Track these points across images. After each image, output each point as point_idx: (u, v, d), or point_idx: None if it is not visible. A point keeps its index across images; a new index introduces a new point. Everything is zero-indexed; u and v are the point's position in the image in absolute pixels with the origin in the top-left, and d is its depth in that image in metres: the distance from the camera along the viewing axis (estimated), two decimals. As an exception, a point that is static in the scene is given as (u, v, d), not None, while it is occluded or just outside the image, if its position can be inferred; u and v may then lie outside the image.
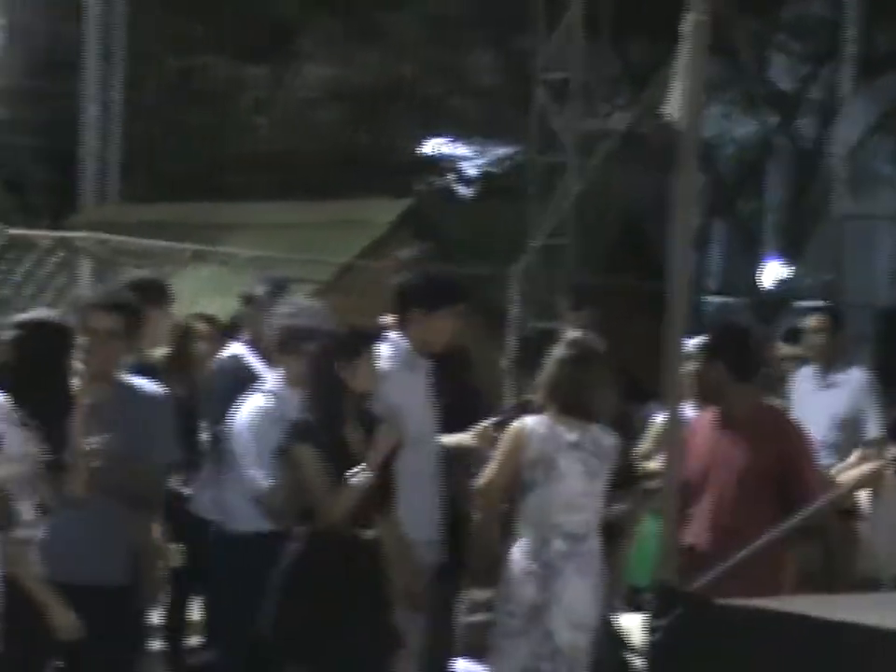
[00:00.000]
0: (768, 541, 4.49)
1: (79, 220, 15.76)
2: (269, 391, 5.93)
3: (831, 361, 8.15)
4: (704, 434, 5.88)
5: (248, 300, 6.49)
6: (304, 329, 5.81)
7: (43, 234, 9.89)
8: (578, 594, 5.70)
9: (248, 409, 5.90)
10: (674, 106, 4.65)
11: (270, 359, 6.19)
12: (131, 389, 5.59)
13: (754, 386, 5.98)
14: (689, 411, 7.42)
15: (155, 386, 5.66)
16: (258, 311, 6.34)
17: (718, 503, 5.73)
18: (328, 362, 5.46)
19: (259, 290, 6.45)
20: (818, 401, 7.81)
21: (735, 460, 5.74)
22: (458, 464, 6.18)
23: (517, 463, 5.81)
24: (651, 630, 4.10)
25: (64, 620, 5.03)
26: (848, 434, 7.75)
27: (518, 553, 5.77)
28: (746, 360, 5.95)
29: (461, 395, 6.33)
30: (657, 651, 4.11)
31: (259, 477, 5.72)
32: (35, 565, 4.99)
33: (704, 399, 6.07)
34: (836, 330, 8.25)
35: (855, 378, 8.12)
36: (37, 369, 5.03)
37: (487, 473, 5.85)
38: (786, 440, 5.81)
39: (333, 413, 5.45)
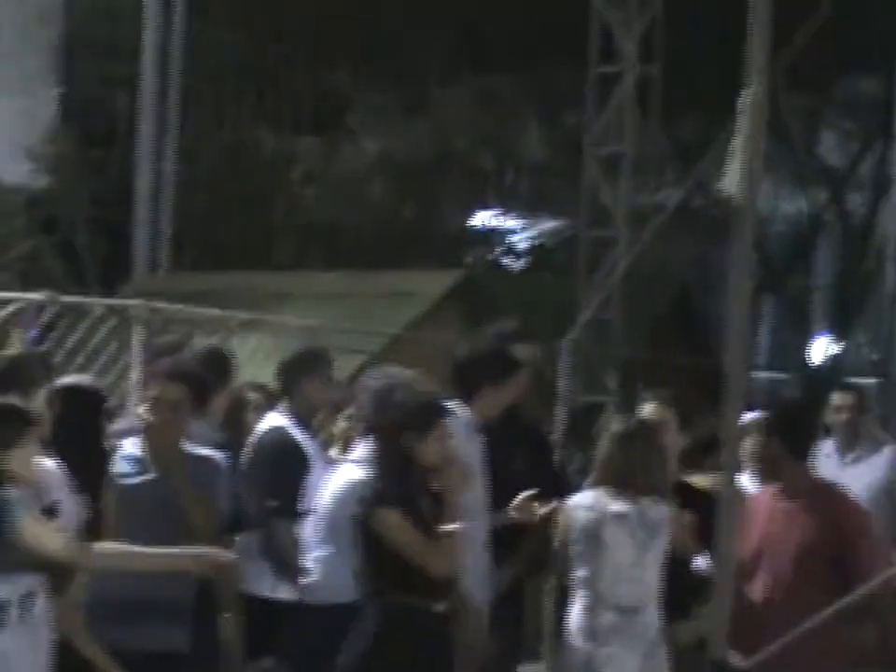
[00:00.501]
0: (823, 620, 4.43)
1: (131, 289, 15.89)
2: (359, 461, 5.84)
3: (852, 439, 8.10)
4: (763, 510, 5.84)
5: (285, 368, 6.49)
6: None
7: (95, 302, 9.94)
8: (623, 668, 5.65)
9: (341, 479, 5.82)
10: (730, 182, 4.66)
11: (308, 428, 6.18)
12: (199, 460, 5.61)
13: (810, 463, 5.95)
14: (748, 484, 7.40)
15: (221, 457, 5.67)
16: (300, 379, 6.32)
17: (773, 580, 5.68)
18: (397, 435, 5.41)
19: (297, 359, 6.44)
20: (844, 476, 7.74)
21: (791, 536, 5.69)
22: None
23: (566, 535, 5.81)
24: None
25: None
26: (882, 509, 7.69)
27: (571, 625, 5.76)
28: (802, 437, 5.94)
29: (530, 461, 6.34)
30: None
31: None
32: (86, 629, 4.99)
33: (763, 475, 6.05)
34: (861, 409, 8.21)
35: (884, 454, 8.09)
36: (72, 430, 5.10)
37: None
38: (842, 516, 5.76)
39: (405, 487, 5.39)
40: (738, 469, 4.66)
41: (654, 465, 5.84)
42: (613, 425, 5.97)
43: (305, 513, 6.02)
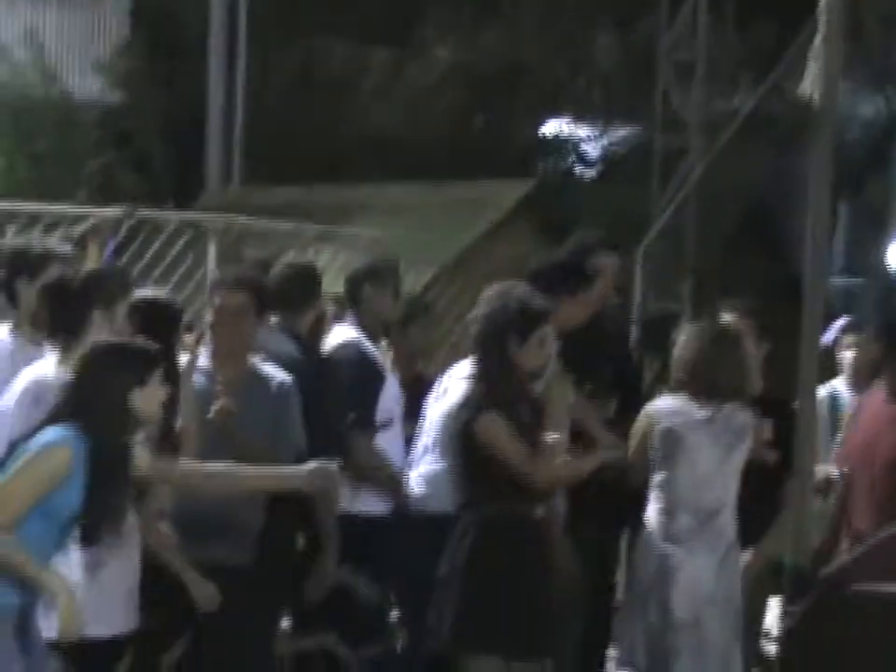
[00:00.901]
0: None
1: (204, 203, 15.97)
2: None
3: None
4: (871, 413, 5.81)
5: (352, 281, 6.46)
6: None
7: (170, 216, 10.00)
8: (702, 569, 5.68)
9: (453, 394, 5.77)
10: (809, 86, 4.59)
11: (376, 340, 6.19)
12: (260, 378, 5.62)
13: None
14: (844, 390, 7.33)
15: (284, 377, 5.66)
16: (368, 292, 6.29)
17: (875, 483, 5.63)
18: (501, 340, 5.38)
19: (365, 271, 6.41)
20: None
21: (887, 443, 5.65)
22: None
23: (648, 440, 5.82)
24: (785, 615, 4.06)
25: (203, 591, 5.10)
26: None
27: (648, 527, 5.78)
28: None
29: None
30: (790, 636, 4.06)
31: None
32: (169, 536, 5.07)
33: (867, 382, 5.97)
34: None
35: None
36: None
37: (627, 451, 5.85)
38: None
39: (507, 394, 5.34)
40: (817, 379, 4.61)
41: (738, 369, 5.83)
42: (692, 330, 5.93)
43: (383, 425, 6.05)
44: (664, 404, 5.83)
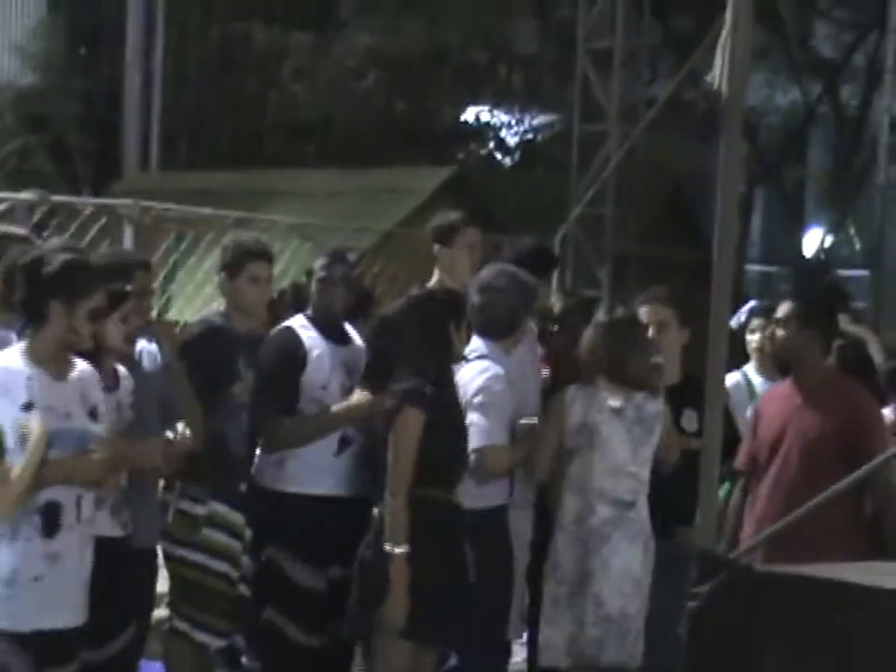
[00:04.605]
0: (812, 507, 4.47)
1: (122, 188, 15.84)
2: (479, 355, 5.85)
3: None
4: (779, 403, 5.86)
5: (310, 273, 6.42)
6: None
7: (86, 201, 9.93)
8: (626, 560, 5.72)
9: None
10: (718, 74, 4.64)
11: (331, 331, 6.14)
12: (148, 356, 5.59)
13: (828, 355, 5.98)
14: (753, 375, 7.38)
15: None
16: (320, 283, 6.24)
17: (785, 470, 5.70)
18: (445, 326, 5.40)
19: (320, 263, 6.37)
20: None
21: (806, 428, 5.71)
22: None
23: (561, 430, 5.82)
24: (692, 596, 4.11)
25: None
26: None
27: (565, 520, 5.79)
28: (834, 329, 5.97)
29: None
30: (697, 617, 4.11)
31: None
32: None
33: (786, 366, 5.99)
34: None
35: None
36: None
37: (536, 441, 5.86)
38: (858, 408, 5.79)
39: (446, 378, 5.40)
40: (725, 362, 4.67)
41: (643, 358, 5.86)
42: (598, 320, 5.99)
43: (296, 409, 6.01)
44: (576, 392, 5.82)
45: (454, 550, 5.32)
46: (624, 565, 5.70)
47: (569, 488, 5.81)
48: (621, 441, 5.79)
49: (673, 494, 5.76)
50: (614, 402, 5.81)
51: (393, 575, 5.17)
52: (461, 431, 5.48)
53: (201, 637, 5.61)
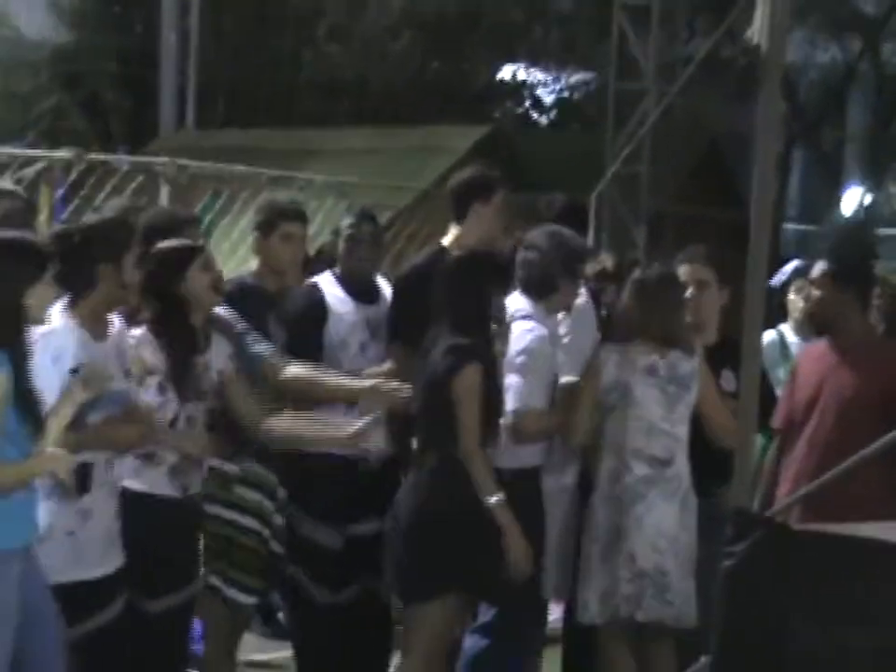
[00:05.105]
0: (849, 467, 4.44)
1: (157, 146, 15.86)
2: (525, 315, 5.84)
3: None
4: (815, 363, 5.82)
5: (337, 231, 6.42)
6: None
7: (122, 159, 9.92)
8: (661, 517, 5.71)
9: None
10: (757, 31, 4.59)
11: (357, 289, 6.13)
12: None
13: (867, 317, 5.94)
14: (791, 334, 7.34)
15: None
16: (347, 241, 6.24)
17: (820, 429, 5.66)
18: (480, 287, 5.40)
19: (347, 222, 6.36)
20: None
21: (843, 389, 5.68)
22: None
23: (596, 388, 5.82)
24: (727, 555, 4.10)
25: None
26: None
27: (601, 478, 5.80)
28: (871, 290, 5.94)
29: None
30: (731, 577, 4.11)
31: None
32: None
33: (822, 326, 5.93)
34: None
35: None
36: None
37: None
38: (891, 370, 5.77)
39: (488, 337, 5.42)
40: (762, 322, 4.64)
41: (670, 315, 5.84)
42: (631, 279, 5.94)
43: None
44: (608, 352, 5.81)
45: (485, 509, 5.35)
46: (658, 521, 5.70)
47: (605, 447, 5.82)
48: (654, 399, 5.78)
49: (712, 453, 5.75)
50: (647, 360, 5.79)
51: (503, 522, 5.31)
52: (499, 392, 5.48)
53: (232, 593, 5.65)
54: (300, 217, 6.04)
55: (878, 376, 5.67)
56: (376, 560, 5.63)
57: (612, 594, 5.70)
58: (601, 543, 5.74)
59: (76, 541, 4.73)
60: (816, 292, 5.86)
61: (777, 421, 5.91)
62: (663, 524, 5.71)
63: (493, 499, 5.31)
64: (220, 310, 5.52)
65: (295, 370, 5.55)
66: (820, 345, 5.93)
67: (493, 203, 6.20)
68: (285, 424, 5.34)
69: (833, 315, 5.81)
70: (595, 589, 5.74)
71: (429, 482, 5.38)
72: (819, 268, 5.89)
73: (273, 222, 5.91)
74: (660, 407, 5.78)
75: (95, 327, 4.77)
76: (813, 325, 6.06)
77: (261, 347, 5.59)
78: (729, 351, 5.95)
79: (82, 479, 4.69)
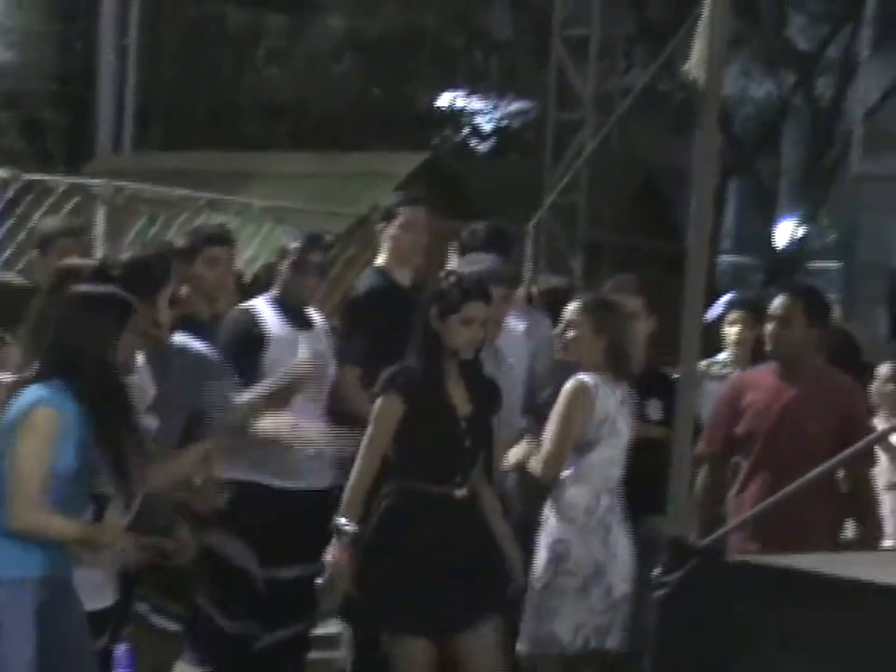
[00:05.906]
0: (781, 498, 4.47)
1: (95, 167, 15.77)
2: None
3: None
4: (767, 393, 5.82)
5: (283, 254, 6.38)
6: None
7: (59, 180, 9.88)
8: (627, 546, 5.74)
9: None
10: (695, 65, 4.63)
11: (296, 315, 6.10)
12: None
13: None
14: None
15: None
16: (292, 266, 6.20)
17: (785, 464, 5.52)
18: (427, 315, 5.36)
19: (293, 245, 6.33)
20: None
21: (806, 423, 5.70)
22: None
23: (582, 421, 5.73)
24: (661, 585, 4.12)
25: None
26: None
27: (573, 512, 5.74)
28: (829, 324, 6.02)
29: None
30: (666, 606, 4.13)
31: None
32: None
33: (780, 358, 5.91)
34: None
35: None
36: None
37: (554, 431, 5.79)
38: (854, 405, 5.86)
39: (435, 367, 5.35)
40: (697, 354, 4.67)
41: (628, 345, 5.87)
42: (590, 308, 5.86)
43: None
44: (595, 383, 5.67)
45: (426, 539, 5.31)
46: (626, 551, 5.73)
47: (579, 480, 5.75)
48: (626, 430, 5.80)
49: (638, 484, 5.76)
50: (619, 393, 5.80)
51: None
52: (454, 425, 5.39)
53: (158, 621, 5.57)
54: (225, 240, 5.99)
55: (838, 407, 5.75)
56: (298, 604, 5.60)
57: (584, 625, 5.67)
58: (580, 576, 5.68)
59: (79, 573, 4.54)
60: (778, 328, 5.82)
61: (706, 446, 5.88)
62: (628, 552, 5.74)
63: (347, 527, 5.30)
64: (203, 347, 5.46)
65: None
66: (763, 375, 5.93)
67: (396, 222, 6.30)
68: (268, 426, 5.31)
69: (801, 350, 5.82)
70: (571, 622, 5.66)
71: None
72: (782, 303, 5.85)
73: (197, 247, 5.83)
74: (627, 438, 5.80)
75: (126, 364, 4.64)
76: (772, 357, 5.98)
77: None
78: (655, 380, 5.98)
79: (99, 508, 4.53)
